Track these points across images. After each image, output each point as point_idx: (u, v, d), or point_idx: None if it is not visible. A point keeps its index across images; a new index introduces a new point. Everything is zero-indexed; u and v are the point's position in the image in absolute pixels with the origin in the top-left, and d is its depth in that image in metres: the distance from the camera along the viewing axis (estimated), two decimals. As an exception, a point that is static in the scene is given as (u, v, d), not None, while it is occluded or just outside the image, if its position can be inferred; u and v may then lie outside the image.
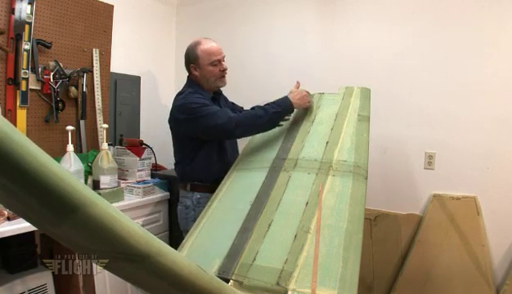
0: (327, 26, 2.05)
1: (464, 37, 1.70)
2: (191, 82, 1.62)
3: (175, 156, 1.64)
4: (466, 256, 1.68)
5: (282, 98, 1.53)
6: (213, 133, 1.50)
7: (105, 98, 2.05)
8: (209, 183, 1.56)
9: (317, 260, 0.97)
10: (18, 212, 0.42)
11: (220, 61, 1.57)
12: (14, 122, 1.63)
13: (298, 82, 1.66)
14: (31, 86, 1.69)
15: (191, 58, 1.58)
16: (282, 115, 1.51)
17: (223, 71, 1.59)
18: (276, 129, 1.54)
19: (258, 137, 1.59)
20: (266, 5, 2.24)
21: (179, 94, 1.59)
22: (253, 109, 1.56)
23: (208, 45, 1.56)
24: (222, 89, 1.72)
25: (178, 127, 1.56)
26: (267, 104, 1.51)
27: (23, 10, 1.61)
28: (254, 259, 1.03)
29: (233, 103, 1.86)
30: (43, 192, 0.35)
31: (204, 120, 1.46)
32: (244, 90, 2.15)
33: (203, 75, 1.58)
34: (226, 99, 1.81)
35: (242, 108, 1.83)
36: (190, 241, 1.24)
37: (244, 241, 1.11)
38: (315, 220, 1.09)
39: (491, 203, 1.68)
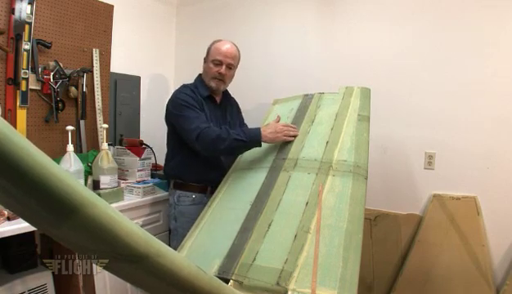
0: (327, 26, 2.05)
1: (464, 37, 1.70)
2: (199, 74, 1.68)
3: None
4: (466, 256, 1.68)
5: (254, 129, 1.46)
6: (184, 136, 1.49)
7: (105, 98, 2.05)
8: (191, 182, 1.56)
9: (317, 260, 0.97)
10: (18, 213, 0.42)
11: (221, 63, 1.58)
12: (14, 122, 1.63)
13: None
14: (31, 86, 1.68)
15: (207, 50, 1.65)
16: (247, 145, 1.43)
17: (219, 74, 1.59)
18: None
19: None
20: (266, 5, 2.24)
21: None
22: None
23: (221, 45, 1.60)
24: (233, 96, 1.77)
25: (168, 119, 1.58)
26: (238, 130, 1.45)
27: (23, 10, 1.61)
28: (254, 259, 1.03)
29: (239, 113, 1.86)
30: (43, 193, 0.35)
31: (180, 120, 1.48)
32: (245, 90, 2.15)
33: (204, 69, 1.64)
34: (233, 108, 1.80)
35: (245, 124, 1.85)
36: (190, 241, 1.24)
37: (244, 241, 1.11)
38: (315, 220, 1.09)
39: (491, 203, 1.68)
